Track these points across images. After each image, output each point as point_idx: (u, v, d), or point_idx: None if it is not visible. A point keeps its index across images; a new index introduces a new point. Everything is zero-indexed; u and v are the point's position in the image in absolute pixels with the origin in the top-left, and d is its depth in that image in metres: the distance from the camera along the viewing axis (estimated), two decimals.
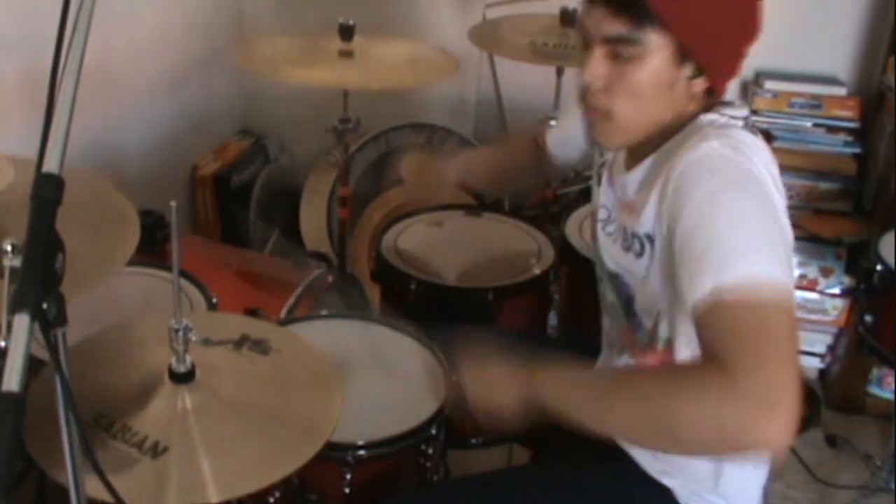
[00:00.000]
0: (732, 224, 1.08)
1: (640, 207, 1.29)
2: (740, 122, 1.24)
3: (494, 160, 1.93)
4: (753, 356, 0.99)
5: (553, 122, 2.33)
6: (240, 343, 1.36)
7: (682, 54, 1.19)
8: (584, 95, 1.26)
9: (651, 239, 1.26)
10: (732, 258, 1.05)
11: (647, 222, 1.26)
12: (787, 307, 1.03)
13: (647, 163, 1.29)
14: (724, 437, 1.00)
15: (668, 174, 1.18)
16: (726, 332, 1.02)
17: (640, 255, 1.30)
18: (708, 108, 1.26)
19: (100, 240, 1.23)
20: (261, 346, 1.36)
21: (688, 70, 1.21)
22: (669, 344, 1.32)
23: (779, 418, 0.96)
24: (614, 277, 1.39)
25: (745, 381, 0.97)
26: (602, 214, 1.43)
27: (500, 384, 1.23)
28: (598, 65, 1.22)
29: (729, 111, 1.26)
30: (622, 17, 1.17)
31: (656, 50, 1.18)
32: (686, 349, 1.28)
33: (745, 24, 1.23)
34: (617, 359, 1.45)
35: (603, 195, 1.43)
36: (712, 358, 1.02)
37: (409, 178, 1.92)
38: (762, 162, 1.18)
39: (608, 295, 1.44)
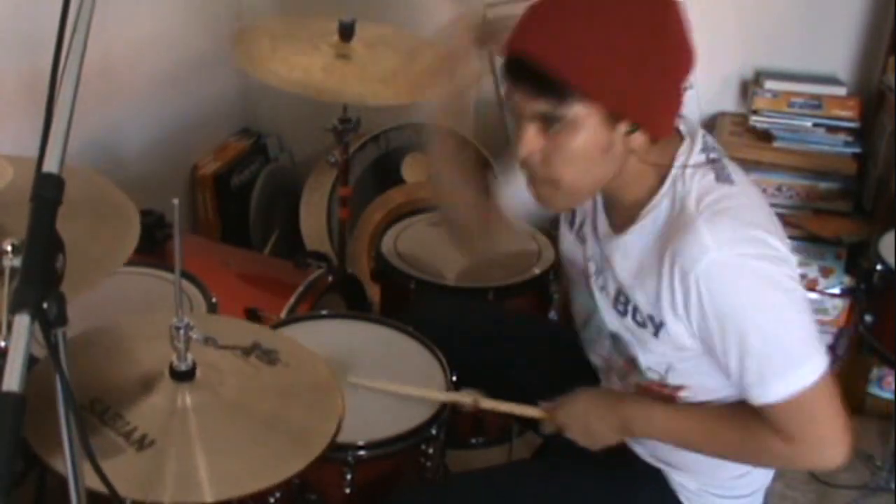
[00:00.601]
0: (774, 341, 1.21)
1: (633, 281, 1.30)
2: (711, 178, 1.23)
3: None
4: (811, 432, 1.23)
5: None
6: (249, 351, 1.36)
7: (613, 117, 1.18)
8: (524, 167, 1.26)
9: (659, 321, 1.26)
10: (786, 370, 1.20)
11: (646, 301, 1.27)
12: (826, 382, 1.22)
13: (634, 233, 1.28)
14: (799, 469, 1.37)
15: (674, 277, 1.20)
16: (787, 422, 1.22)
17: (642, 325, 1.30)
18: (665, 159, 1.25)
19: (99, 237, 1.22)
20: (269, 356, 1.35)
21: (623, 127, 1.19)
22: (679, 389, 1.34)
23: (837, 452, 1.23)
24: (615, 338, 1.38)
25: (808, 451, 1.24)
26: (592, 268, 1.41)
27: (601, 435, 1.39)
28: (531, 140, 1.21)
29: (692, 160, 1.24)
30: (544, 95, 1.17)
31: (585, 119, 1.17)
32: (696, 393, 1.33)
33: (672, 66, 1.20)
34: (621, 383, 1.44)
35: (590, 248, 1.41)
36: (779, 430, 1.23)
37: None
38: (753, 225, 1.20)
39: (605, 343, 1.42)
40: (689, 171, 1.24)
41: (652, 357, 1.32)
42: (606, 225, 1.36)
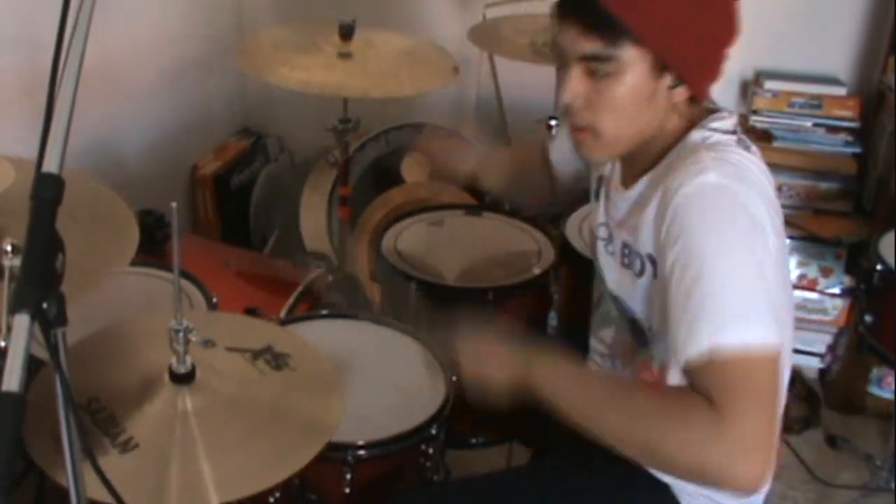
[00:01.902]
0: (729, 282, 1.10)
1: (635, 227, 1.29)
2: (732, 138, 1.23)
3: (509, 161, 1.89)
4: (741, 407, 1.06)
5: (554, 125, 2.34)
6: (258, 353, 1.35)
7: (660, 66, 1.19)
8: (567, 113, 1.26)
9: (653, 261, 1.25)
10: (727, 321, 1.09)
11: (646, 242, 1.26)
12: (773, 363, 1.09)
13: (642, 182, 1.29)
14: (701, 473, 1.09)
15: (663, 198, 1.18)
16: (718, 384, 1.08)
17: (640, 274, 1.29)
18: (695, 121, 1.26)
19: (98, 245, 1.22)
20: (278, 361, 1.34)
21: (667, 80, 1.20)
22: (663, 366, 1.32)
23: (756, 464, 1.04)
24: (615, 299, 1.38)
25: (731, 428, 1.05)
26: (602, 233, 1.41)
27: (496, 361, 1.27)
28: (576, 83, 1.21)
29: (717, 124, 1.25)
30: (596, 35, 1.17)
31: (633, 65, 1.18)
32: (677, 375, 1.28)
33: (721, 28, 1.21)
34: (620, 372, 1.44)
35: (602, 213, 1.42)
36: (703, 397, 1.08)
37: (429, 152, 1.80)
38: (758, 188, 1.18)
39: (612, 312, 1.42)
40: (707, 130, 1.23)
41: (653, 314, 1.30)
42: (619, 178, 1.36)
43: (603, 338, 1.47)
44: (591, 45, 1.18)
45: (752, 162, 1.22)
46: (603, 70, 1.19)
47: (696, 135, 1.24)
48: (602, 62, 1.18)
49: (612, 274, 1.39)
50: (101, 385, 1.26)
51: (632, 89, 1.20)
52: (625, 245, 1.33)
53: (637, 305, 1.33)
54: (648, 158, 1.29)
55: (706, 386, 1.09)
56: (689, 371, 1.12)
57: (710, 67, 1.24)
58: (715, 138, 1.23)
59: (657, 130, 1.26)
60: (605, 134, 1.24)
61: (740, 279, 1.11)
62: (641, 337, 1.36)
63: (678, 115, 1.26)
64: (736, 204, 1.14)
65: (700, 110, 1.28)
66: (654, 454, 1.14)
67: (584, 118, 1.24)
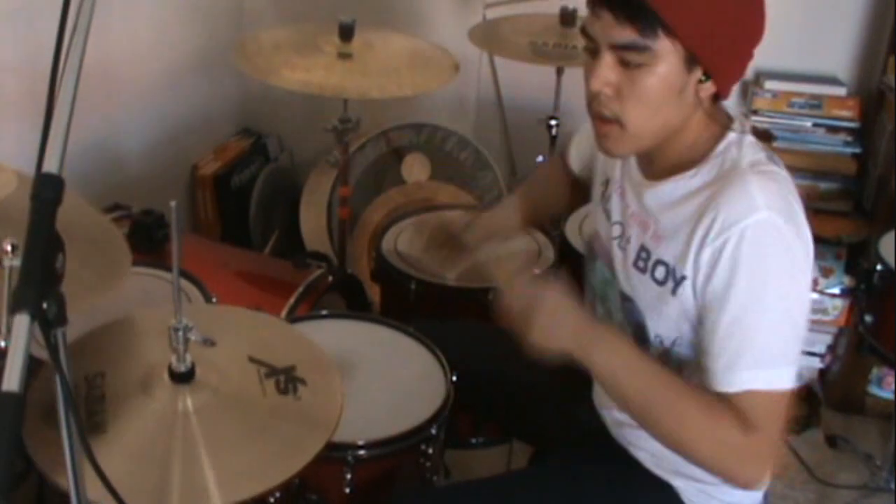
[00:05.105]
0: (766, 330, 1.19)
1: (663, 233, 1.28)
2: (762, 154, 1.25)
3: (529, 201, 1.79)
4: (764, 428, 1.19)
5: (554, 125, 2.33)
6: (276, 373, 1.30)
7: (691, 60, 1.19)
8: (593, 103, 1.25)
9: (680, 276, 1.25)
10: (762, 369, 1.19)
11: (674, 254, 1.26)
12: (789, 396, 1.20)
13: (677, 180, 1.28)
14: (720, 471, 1.23)
15: (711, 224, 1.19)
16: (748, 410, 1.19)
17: (661, 283, 1.28)
18: (724, 123, 1.26)
19: (90, 268, 1.21)
20: (290, 385, 1.29)
21: (698, 74, 1.20)
22: (681, 366, 1.31)
23: (765, 471, 1.23)
24: (626, 300, 1.36)
25: (757, 446, 1.19)
26: (616, 231, 1.39)
27: (557, 335, 1.24)
28: (607, 72, 1.20)
29: (747, 137, 1.26)
30: (630, 24, 1.16)
31: (665, 56, 1.17)
32: (696, 376, 1.28)
33: (749, 26, 1.22)
34: None
35: (615, 212, 1.40)
36: (734, 413, 1.19)
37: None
38: (800, 216, 1.21)
39: (616, 314, 1.41)
40: (745, 142, 1.25)
41: (663, 323, 1.30)
42: (639, 174, 1.35)
43: None
44: (625, 35, 1.17)
45: (788, 181, 1.24)
46: (635, 60, 1.18)
47: (733, 152, 1.24)
48: (635, 52, 1.17)
49: (625, 273, 1.36)
50: (109, 366, 1.26)
51: (662, 81, 1.19)
52: (643, 248, 1.32)
53: (647, 310, 1.32)
54: (676, 154, 1.28)
55: (737, 405, 1.19)
56: (725, 394, 1.21)
57: (736, 65, 1.24)
58: (749, 157, 1.23)
59: (682, 126, 1.26)
60: (631, 126, 1.23)
61: (777, 327, 1.19)
62: (644, 344, 1.33)
63: (704, 112, 1.26)
64: (783, 249, 1.18)
65: (721, 113, 1.28)
66: (679, 449, 1.24)
67: (611, 108, 1.23)
